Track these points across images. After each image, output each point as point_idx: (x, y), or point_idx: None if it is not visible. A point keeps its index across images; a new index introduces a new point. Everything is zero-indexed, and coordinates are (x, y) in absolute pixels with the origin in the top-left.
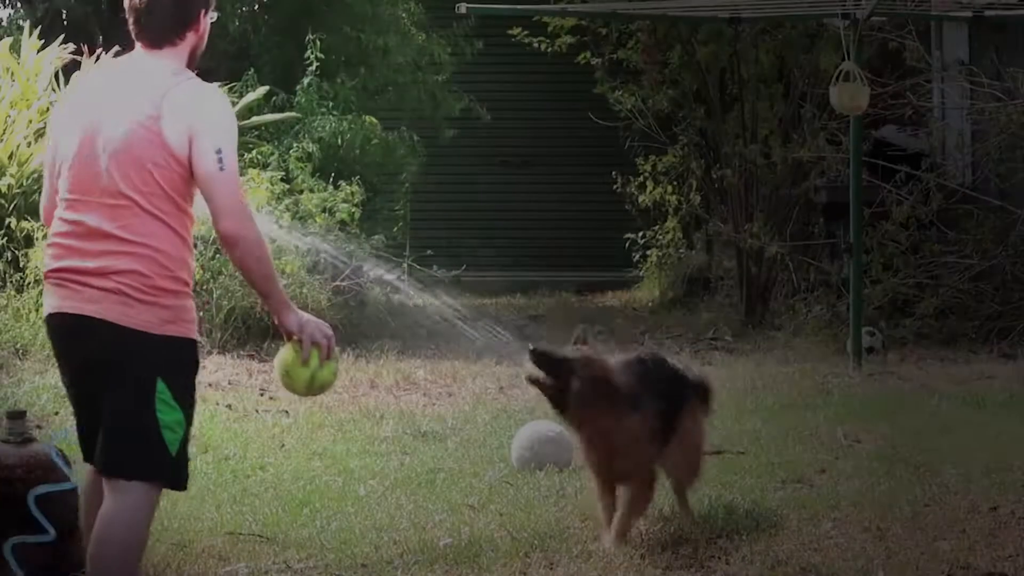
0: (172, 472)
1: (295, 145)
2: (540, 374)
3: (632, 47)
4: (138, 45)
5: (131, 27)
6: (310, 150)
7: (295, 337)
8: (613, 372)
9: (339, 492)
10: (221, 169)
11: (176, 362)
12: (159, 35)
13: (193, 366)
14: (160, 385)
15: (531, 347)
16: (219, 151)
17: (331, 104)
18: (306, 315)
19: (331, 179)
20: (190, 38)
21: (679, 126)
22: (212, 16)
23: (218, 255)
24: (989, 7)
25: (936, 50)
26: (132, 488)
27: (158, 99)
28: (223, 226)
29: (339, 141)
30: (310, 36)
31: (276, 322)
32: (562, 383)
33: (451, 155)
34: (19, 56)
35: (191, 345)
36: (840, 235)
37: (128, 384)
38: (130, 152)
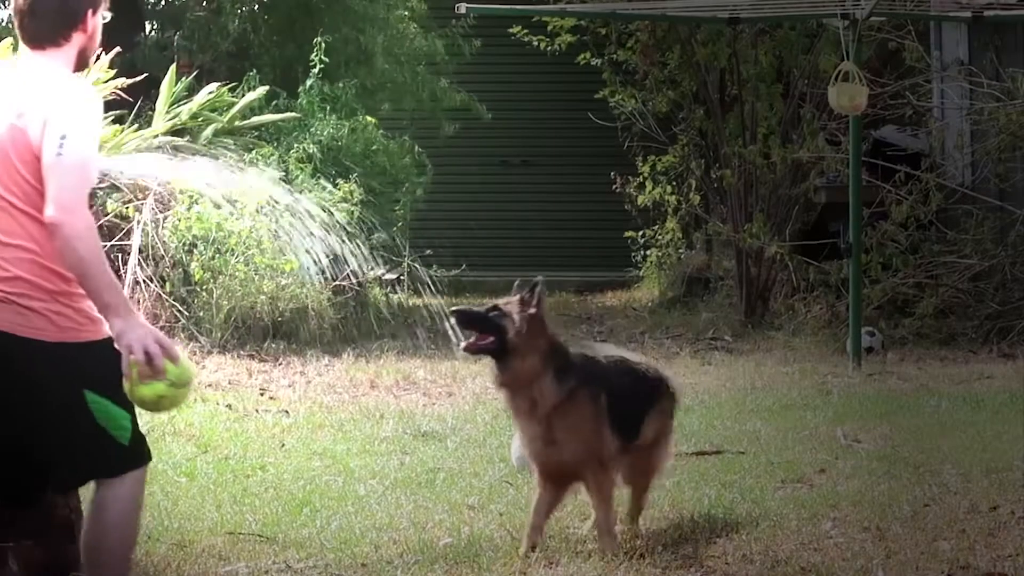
0: (131, 457)
1: (295, 146)
2: (473, 338)
3: (632, 47)
4: (24, 47)
5: (16, 28)
6: (310, 151)
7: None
8: (546, 319)
9: (339, 492)
10: (59, 155)
11: (95, 367)
12: (42, 36)
13: (114, 364)
14: (89, 396)
15: (452, 310)
16: (63, 137)
17: (330, 108)
18: (136, 324)
19: (332, 179)
20: (77, 39)
21: (678, 126)
22: (104, 16)
23: (218, 255)
24: (988, 7)
25: (935, 50)
26: (105, 485)
27: (25, 98)
28: (47, 213)
29: (339, 144)
30: (318, 39)
31: None
32: (497, 334)
33: (451, 155)
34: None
35: (103, 345)
36: (840, 234)
37: (53, 407)
38: (0, 153)
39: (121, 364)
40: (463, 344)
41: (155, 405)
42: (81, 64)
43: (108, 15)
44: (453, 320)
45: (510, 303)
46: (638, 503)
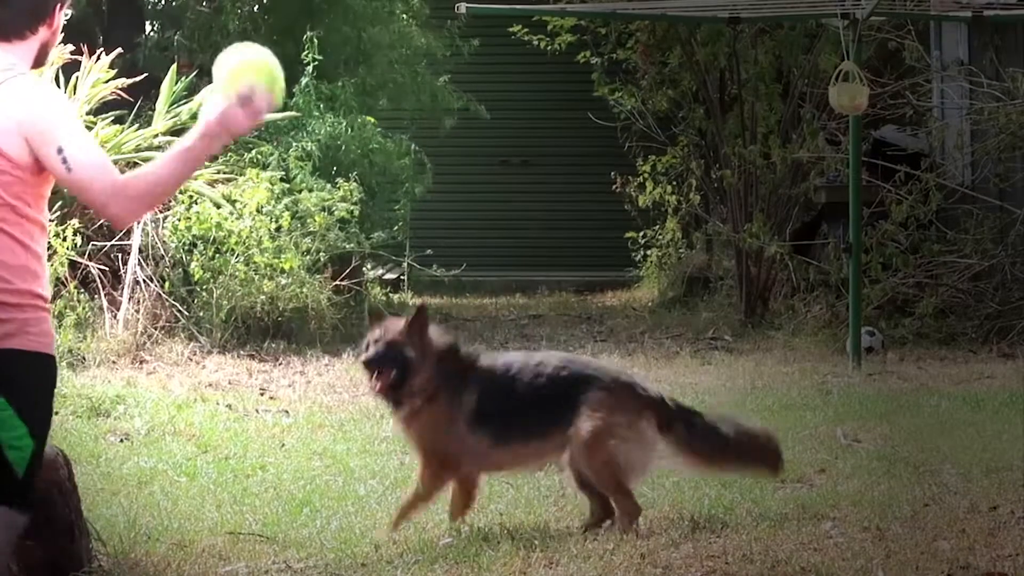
0: (18, 495)
1: (295, 144)
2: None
3: (632, 47)
4: None
5: None
6: (309, 149)
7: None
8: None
9: (339, 492)
10: (69, 170)
11: (19, 377)
12: (10, 28)
13: (43, 382)
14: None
15: (365, 360)
16: (60, 151)
17: (324, 105)
18: (217, 134)
19: (331, 178)
20: (42, 32)
21: (678, 126)
22: (66, 13)
23: (218, 255)
24: (988, 7)
25: (935, 50)
26: None
27: None
28: (108, 216)
29: (338, 143)
30: (309, 35)
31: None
32: (403, 366)
33: (451, 155)
34: None
35: (41, 360)
36: (839, 235)
37: None
38: None
39: (44, 382)
40: (377, 387)
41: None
42: (40, 59)
43: (69, 12)
44: (369, 372)
45: (399, 333)
46: (601, 506)
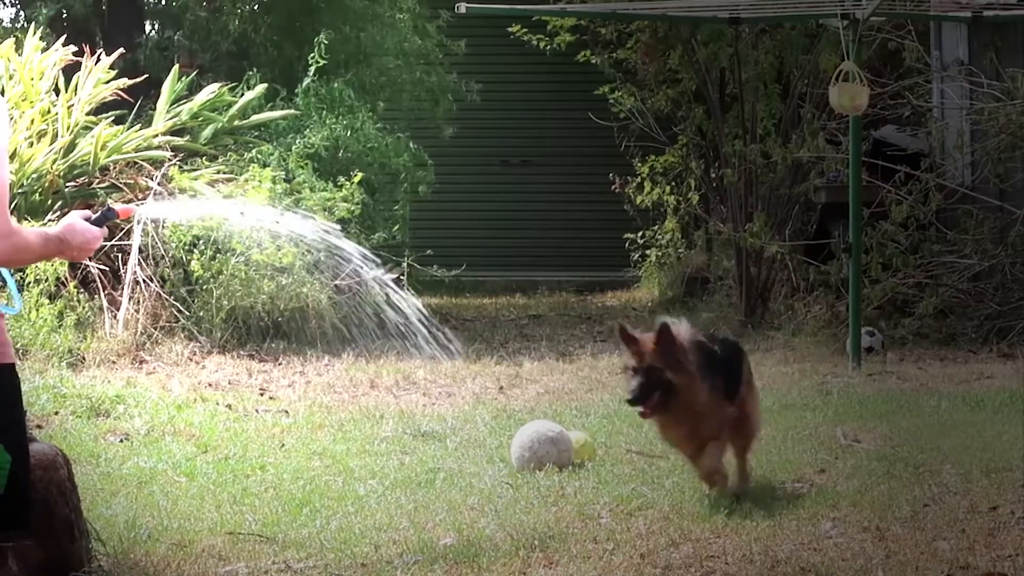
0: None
1: (298, 141)
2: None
3: (632, 47)
4: None
5: None
6: (312, 150)
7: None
8: None
9: (339, 492)
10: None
11: None
12: None
13: (7, 391)
14: None
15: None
16: None
17: (326, 109)
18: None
19: (332, 178)
20: None
21: (678, 126)
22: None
23: (218, 255)
24: (988, 7)
25: (935, 50)
26: None
27: None
28: None
29: (338, 144)
30: (319, 39)
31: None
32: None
33: (451, 155)
34: (21, 56)
35: (2, 371)
36: (839, 235)
37: None
38: None
39: (7, 391)
40: (646, 415)
41: None
42: None
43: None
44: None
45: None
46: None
